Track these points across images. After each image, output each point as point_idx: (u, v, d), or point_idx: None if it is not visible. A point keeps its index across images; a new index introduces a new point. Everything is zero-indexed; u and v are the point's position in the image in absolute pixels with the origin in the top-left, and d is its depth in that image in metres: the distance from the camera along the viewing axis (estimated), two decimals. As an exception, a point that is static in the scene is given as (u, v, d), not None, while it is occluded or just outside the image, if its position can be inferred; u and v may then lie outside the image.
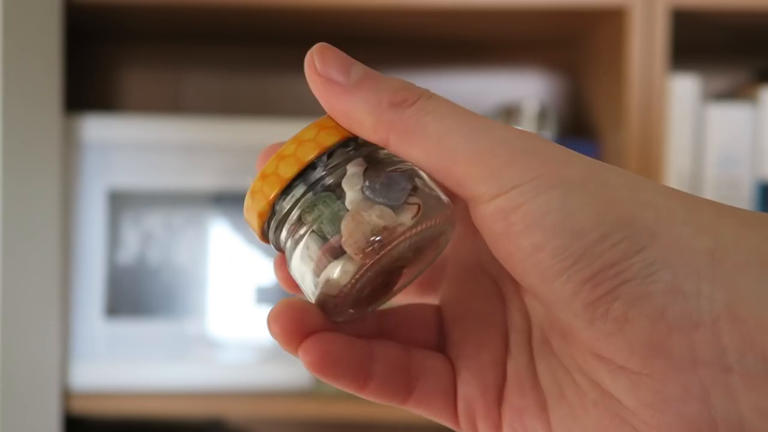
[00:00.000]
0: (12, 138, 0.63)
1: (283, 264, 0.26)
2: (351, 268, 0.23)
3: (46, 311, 0.71)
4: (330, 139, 0.23)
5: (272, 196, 0.23)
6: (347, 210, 0.23)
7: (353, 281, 0.24)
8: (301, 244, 0.24)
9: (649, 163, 0.71)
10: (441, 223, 0.24)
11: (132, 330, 0.77)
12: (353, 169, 0.24)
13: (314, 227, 0.23)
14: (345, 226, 0.23)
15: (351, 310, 0.25)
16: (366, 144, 0.24)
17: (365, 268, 0.23)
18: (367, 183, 0.23)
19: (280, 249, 0.25)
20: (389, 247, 0.23)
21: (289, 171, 0.23)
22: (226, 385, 0.76)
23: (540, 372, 0.26)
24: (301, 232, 0.24)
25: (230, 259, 0.79)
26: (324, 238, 0.23)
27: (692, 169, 0.75)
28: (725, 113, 0.75)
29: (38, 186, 0.69)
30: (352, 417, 0.75)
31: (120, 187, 0.78)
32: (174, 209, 0.78)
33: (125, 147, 0.78)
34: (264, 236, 0.25)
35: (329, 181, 0.24)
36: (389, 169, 0.24)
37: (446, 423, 0.27)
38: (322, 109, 0.25)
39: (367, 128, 0.23)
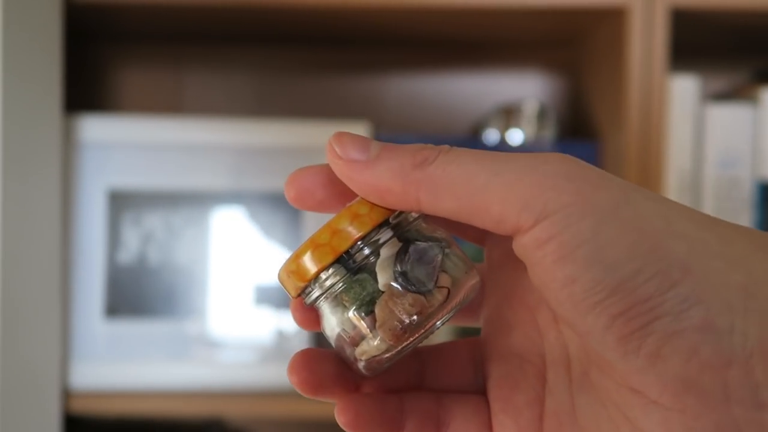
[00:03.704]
0: (12, 138, 0.63)
1: (301, 307, 0.27)
2: (384, 346, 0.25)
3: (46, 311, 0.71)
4: (363, 228, 0.25)
5: (309, 278, 0.25)
6: (381, 293, 0.25)
7: (385, 355, 0.25)
8: (337, 318, 0.26)
9: (649, 163, 0.71)
10: (468, 294, 0.26)
11: (132, 330, 0.77)
12: (386, 252, 0.25)
13: (349, 307, 0.25)
14: (378, 312, 0.25)
15: (379, 369, 0.27)
16: (398, 224, 0.25)
17: (398, 349, 0.25)
18: (398, 268, 0.25)
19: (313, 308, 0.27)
20: (421, 330, 0.25)
21: (324, 259, 0.25)
22: (226, 385, 0.76)
23: (578, 407, 0.26)
24: (340, 305, 0.25)
25: (230, 259, 0.79)
26: (360, 317, 0.25)
27: (692, 169, 0.75)
28: (725, 113, 0.75)
29: (38, 186, 0.69)
30: (352, 417, 0.75)
31: (120, 187, 0.78)
32: (174, 209, 0.78)
33: (125, 147, 0.78)
34: (298, 297, 0.27)
35: (364, 264, 0.25)
36: (420, 246, 0.25)
37: None
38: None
39: (396, 193, 0.24)
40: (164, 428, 0.87)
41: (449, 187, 0.24)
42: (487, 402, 0.28)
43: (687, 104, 0.74)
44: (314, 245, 0.25)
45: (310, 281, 0.25)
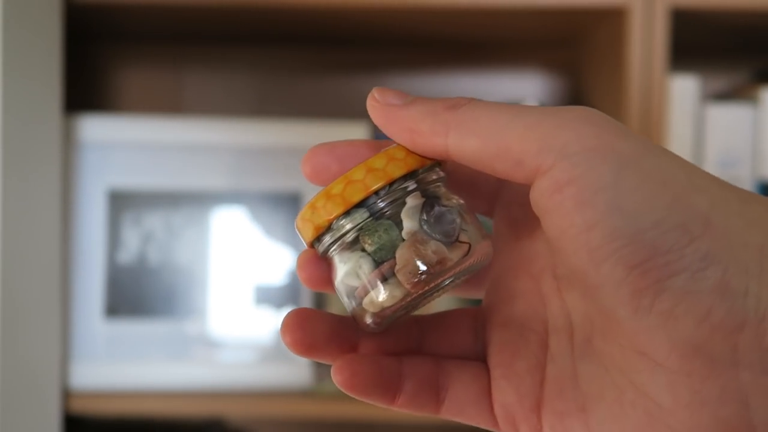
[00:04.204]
0: (12, 138, 0.63)
1: (307, 263, 0.27)
2: (398, 293, 0.25)
3: (46, 311, 0.71)
4: (397, 171, 0.25)
5: (334, 216, 0.25)
6: (403, 239, 0.25)
7: (396, 306, 0.25)
8: (353, 262, 0.25)
9: (649, 163, 0.71)
10: (482, 259, 0.26)
11: (132, 330, 0.77)
12: (412, 202, 0.25)
13: (370, 250, 0.25)
14: (401, 255, 0.25)
15: (384, 323, 0.27)
16: (425, 180, 0.26)
17: (411, 296, 0.25)
18: (424, 217, 0.25)
19: (325, 258, 0.27)
20: (438, 280, 0.25)
21: (355, 196, 0.25)
22: (226, 385, 0.76)
23: (580, 373, 0.26)
24: (356, 252, 0.25)
25: (230, 259, 0.79)
26: (377, 262, 0.25)
27: (692, 169, 0.74)
28: (725, 113, 0.75)
29: (38, 186, 0.69)
30: (352, 417, 0.75)
31: (120, 187, 0.78)
32: (174, 209, 0.78)
33: (125, 147, 0.78)
34: (312, 246, 0.27)
35: (390, 210, 0.25)
36: (443, 206, 0.25)
37: (487, 427, 0.27)
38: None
39: (425, 132, 0.25)
40: (164, 428, 0.87)
41: (475, 126, 0.24)
42: (487, 368, 0.28)
43: (687, 104, 0.74)
44: (347, 181, 0.25)
45: (334, 220, 0.25)
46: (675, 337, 0.21)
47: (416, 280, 0.24)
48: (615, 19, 0.73)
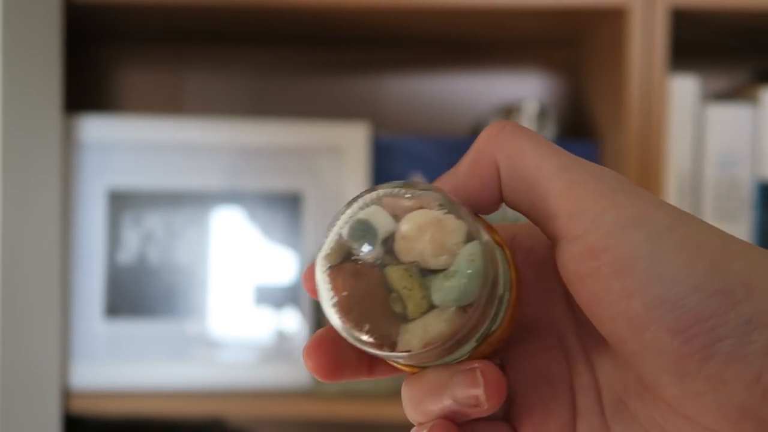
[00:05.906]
0: (12, 138, 0.63)
1: (311, 276, 0.26)
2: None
3: (46, 311, 0.71)
4: None
5: None
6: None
7: (332, 266, 0.24)
8: None
9: (649, 164, 0.71)
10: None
11: (132, 330, 0.77)
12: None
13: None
14: None
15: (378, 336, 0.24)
16: None
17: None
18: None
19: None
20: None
21: None
22: (226, 385, 0.76)
23: None
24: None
25: (230, 259, 0.79)
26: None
27: (692, 169, 0.74)
28: (725, 113, 0.75)
29: (38, 186, 0.69)
30: (352, 417, 0.75)
31: (120, 187, 0.78)
32: (174, 209, 0.78)
33: (125, 147, 0.78)
34: None
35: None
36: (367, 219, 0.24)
37: None
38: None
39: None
40: (164, 428, 0.87)
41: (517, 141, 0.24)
42: (511, 429, 0.27)
43: (687, 104, 0.74)
44: None
45: None
46: (724, 402, 0.21)
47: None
48: (615, 19, 0.73)
